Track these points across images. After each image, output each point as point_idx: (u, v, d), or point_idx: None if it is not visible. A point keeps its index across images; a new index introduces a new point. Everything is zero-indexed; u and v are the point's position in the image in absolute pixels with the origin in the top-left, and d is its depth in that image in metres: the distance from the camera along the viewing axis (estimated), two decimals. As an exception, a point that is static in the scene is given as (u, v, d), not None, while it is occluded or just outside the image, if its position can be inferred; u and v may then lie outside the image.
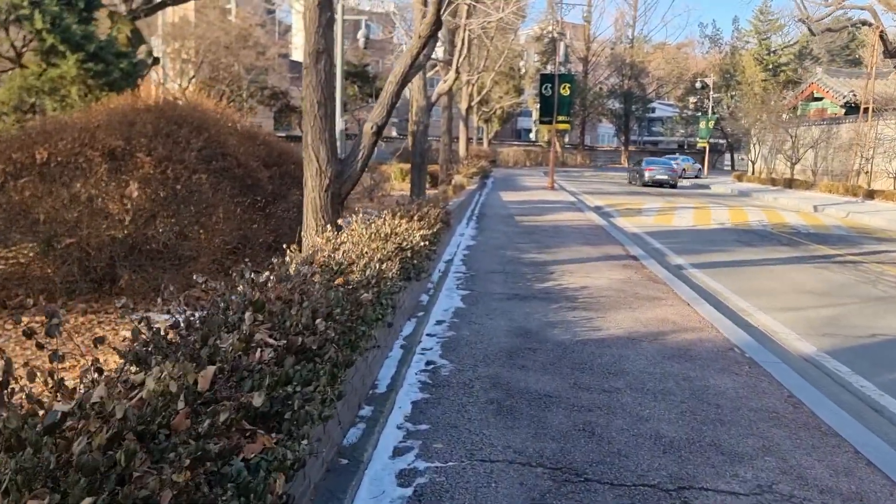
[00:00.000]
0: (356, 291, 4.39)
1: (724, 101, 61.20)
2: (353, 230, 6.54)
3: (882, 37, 32.00)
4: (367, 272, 4.81)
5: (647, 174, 32.48)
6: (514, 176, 38.03)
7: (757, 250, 12.89)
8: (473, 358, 5.38)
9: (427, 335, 6.00)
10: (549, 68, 43.40)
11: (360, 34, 11.10)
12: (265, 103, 38.13)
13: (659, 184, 32.13)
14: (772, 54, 66.52)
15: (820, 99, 41.33)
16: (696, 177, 46.68)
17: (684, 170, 48.90)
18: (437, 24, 7.52)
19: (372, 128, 7.78)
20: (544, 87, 25.19)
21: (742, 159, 72.76)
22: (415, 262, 6.32)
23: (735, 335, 6.42)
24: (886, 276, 10.66)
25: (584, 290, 8.00)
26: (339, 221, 7.20)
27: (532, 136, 71.37)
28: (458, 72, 15.55)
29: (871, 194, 25.65)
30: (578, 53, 60.88)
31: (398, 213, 7.99)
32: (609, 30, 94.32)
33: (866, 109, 31.22)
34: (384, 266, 5.29)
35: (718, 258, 11.78)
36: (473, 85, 34.34)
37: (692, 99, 67.84)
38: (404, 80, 7.77)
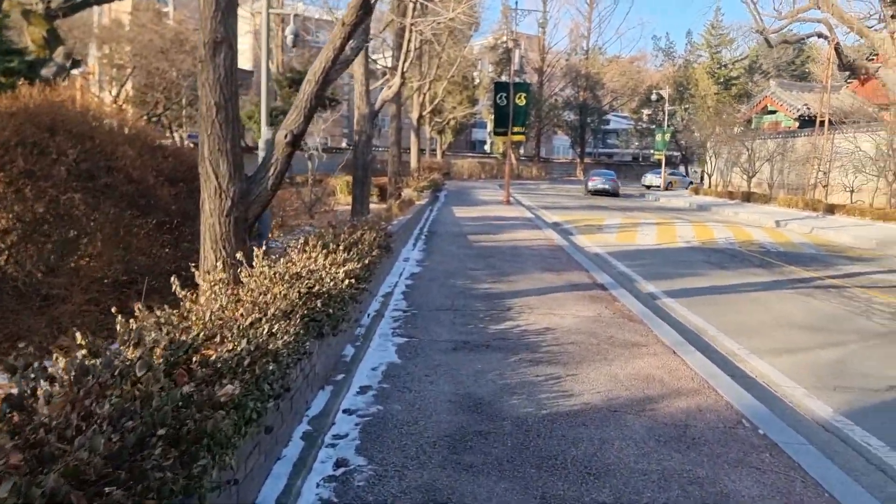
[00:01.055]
0: (214, 383, 2.90)
1: (678, 114, 61.18)
2: (253, 271, 5.03)
3: (837, 49, 31.74)
4: (242, 344, 3.31)
5: (590, 184, 37.44)
6: (468, 189, 36.72)
7: (731, 274, 11.73)
8: (403, 453, 3.90)
9: (344, 412, 4.50)
10: (504, 78, 42.38)
11: (289, 31, 9.63)
12: (206, 112, 36.12)
13: (601, 192, 36.58)
14: (723, 68, 66.99)
15: (773, 112, 41.16)
16: (686, 187, 46.62)
17: (671, 184, 48.55)
18: (366, 8, 6.07)
19: (286, 136, 6.28)
20: (499, 96, 23.95)
21: (695, 172, 73.16)
22: (331, 311, 4.83)
23: (739, 399, 5.09)
24: (876, 305, 9.56)
25: (549, 334, 6.60)
26: (259, 252, 5.66)
27: (487, 147, 70.42)
28: (404, 77, 14.13)
29: (831, 209, 25.04)
30: (533, 64, 60.16)
31: (320, 243, 6.49)
32: (564, 41, 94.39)
33: (822, 122, 30.86)
34: (279, 327, 3.80)
35: (692, 284, 10.56)
36: (425, 94, 32.98)
37: (646, 111, 67.86)
38: (326, 79, 6.29)
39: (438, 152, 53.63)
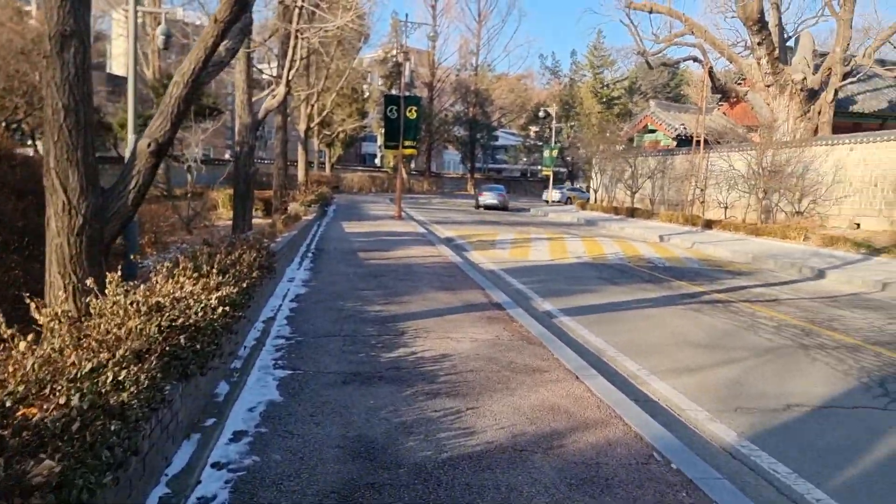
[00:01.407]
0: (35, 454, 2.24)
1: (564, 131, 63.00)
2: (106, 301, 4.28)
3: (711, 73, 33.51)
4: (74, 400, 2.63)
5: (479, 199, 39.51)
6: (358, 203, 36.02)
7: (623, 290, 11.75)
8: (281, 520, 3.31)
9: (212, 466, 3.83)
10: (395, 91, 42.09)
11: (160, 31, 8.70)
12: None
13: (490, 207, 38.73)
14: (605, 88, 69.83)
15: (654, 131, 43.01)
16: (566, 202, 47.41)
17: (569, 199, 49.41)
18: (241, 4, 5.44)
19: (150, 145, 5.53)
20: (389, 109, 23.51)
21: (580, 188, 75.63)
22: (199, 346, 4.16)
23: (647, 429, 4.81)
24: (761, 320, 9.75)
25: (446, 361, 6.14)
26: (114, 277, 4.91)
27: (377, 161, 69.92)
28: (289, 86, 13.41)
29: (708, 224, 26.19)
30: (423, 79, 60.31)
31: (191, 265, 5.76)
32: (454, 56, 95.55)
33: (698, 142, 32.40)
34: (127, 374, 3.12)
35: (587, 301, 10.44)
36: (313, 105, 32.11)
37: (534, 128, 69.58)
38: (196, 82, 5.59)
39: (327, 166, 52.58)
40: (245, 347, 6.35)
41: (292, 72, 13.52)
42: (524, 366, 6.14)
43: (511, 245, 17.98)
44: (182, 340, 3.86)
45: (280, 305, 8.15)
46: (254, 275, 7.08)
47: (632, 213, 33.38)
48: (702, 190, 30.74)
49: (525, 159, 78.21)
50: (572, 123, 65.68)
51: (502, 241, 18.70)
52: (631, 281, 12.88)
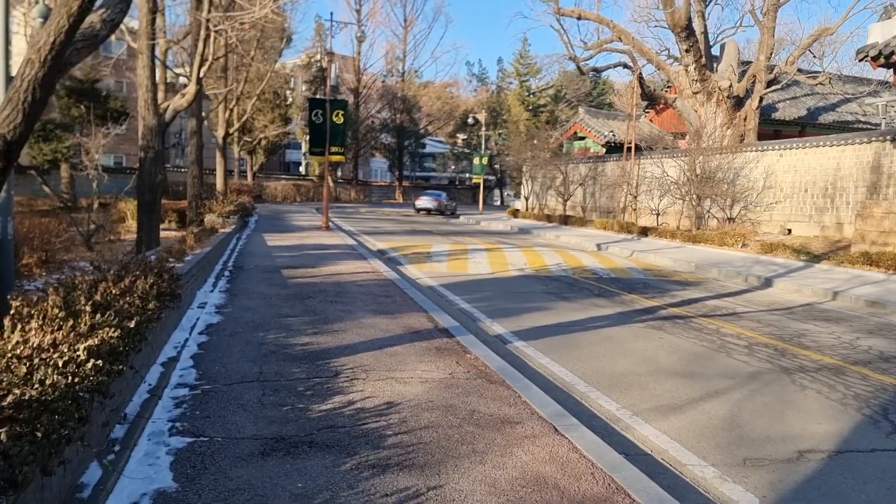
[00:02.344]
0: None
1: (492, 139, 62.57)
2: None
3: (640, 79, 33.43)
4: None
5: (417, 203, 43.49)
6: (282, 213, 34.21)
7: (576, 306, 10.80)
8: None
9: None
10: (320, 95, 40.47)
11: (36, 12, 7.21)
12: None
13: (426, 211, 42.45)
14: (531, 95, 69.93)
15: (583, 138, 42.87)
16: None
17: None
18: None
19: (-8, 143, 4.11)
20: (314, 113, 22.05)
21: (509, 195, 75.48)
22: (39, 433, 2.82)
23: (661, 506, 3.73)
24: (728, 338, 8.95)
25: (394, 414, 4.92)
26: None
27: (302, 169, 67.87)
28: (200, 84, 11.90)
29: (644, 231, 25.81)
30: (349, 84, 58.74)
31: (59, 303, 4.38)
32: (380, 62, 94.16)
33: (629, 148, 32.21)
34: None
35: (540, 320, 9.41)
36: (231, 110, 30.22)
37: (462, 136, 68.99)
38: (57, 61, 4.19)
39: (249, 174, 50.33)
40: (142, 394, 4.97)
41: (204, 69, 12.01)
42: (490, 416, 4.98)
43: (448, 257, 16.87)
44: (2, 436, 2.53)
45: (186, 341, 6.74)
46: (150, 306, 5.69)
47: (565, 220, 32.87)
48: (634, 197, 30.49)
49: (453, 167, 77.60)
50: (500, 131, 65.39)
51: (438, 253, 17.56)
52: (581, 295, 11.95)
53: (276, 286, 10.37)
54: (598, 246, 22.18)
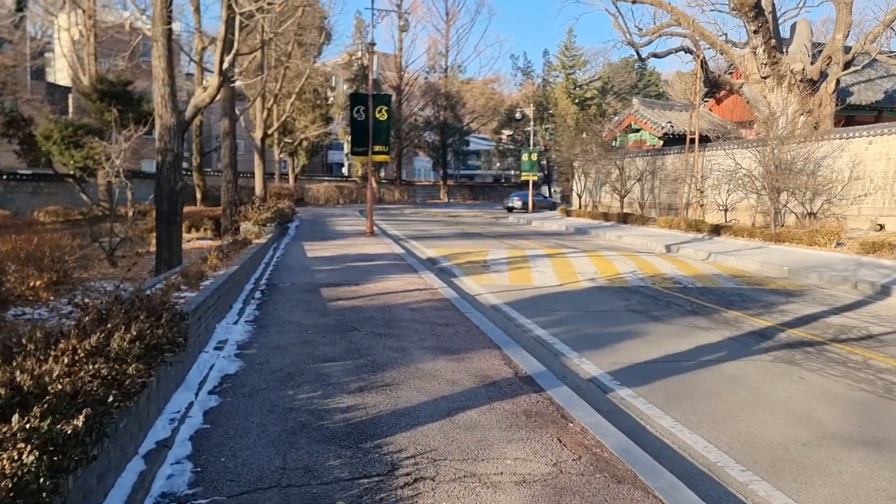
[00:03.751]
0: None
1: (538, 134, 60.38)
2: None
3: (703, 65, 31.01)
4: None
5: (507, 203, 46.03)
6: (324, 217, 32.72)
7: (671, 329, 8.87)
8: None
9: None
10: (362, 91, 38.94)
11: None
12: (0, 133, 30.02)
13: (512, 209, 44.51)
14: (578, 88, 67.50)
15: (638, 130, 40.48)
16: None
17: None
18: None
19: None
20: (356, 110, 20.40)
21: (556, 192, 73.12)
22: None
23: None
24: (887, 376, 6.92)
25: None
26: None
27: (345, 170, 66.70)
28: (225, 76, 10.27)
29: (716, 230, 23.52)
30: (390, 82, 57.21)
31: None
32: (422, 58, 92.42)
33: (693, 139, 29.87)
34: None
35: (638, 353, 7.52)
36: (270, 109, 28.79)
37: (507, 132, 66.92)
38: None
39: (291, 176, 49.12)
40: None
41: (229, 57, 10.40)
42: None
43: (508, 266, 15.01)
44: None
45: (189, 407, 5.03)
46: (129, 371, 4.02)
47: (624, 219, 30.66)
48: (701, 192, 28.16)
49: (498, 164, 75.58)
50: (547, 126, 63.12)
51: (495, 261, 15.71)
52: (673, 313, 10.01)
53: (313, 312, 8.66)
54: (668, 248, 20.07)
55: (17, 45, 38.75)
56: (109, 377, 3.79)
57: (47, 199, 30.92)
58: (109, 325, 4.48)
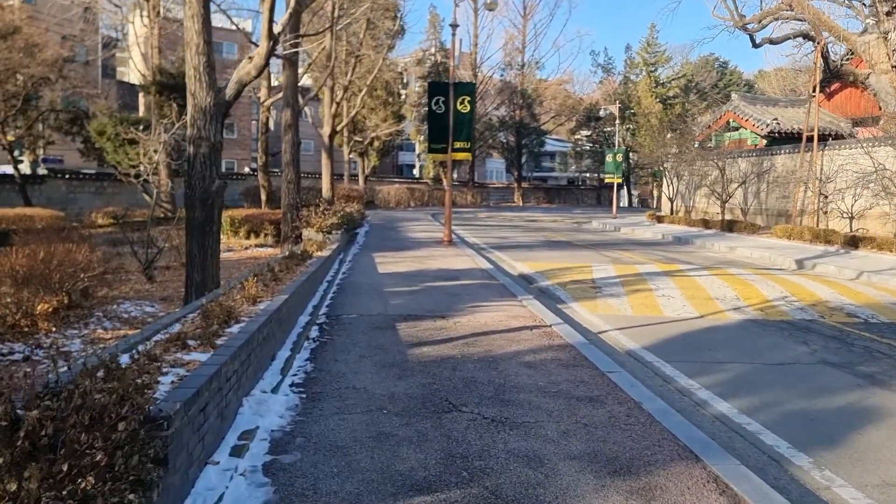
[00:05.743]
0: None
1: (618, 133, 56.78)
2: None
3: (824, 54, 27.28)
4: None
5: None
6: (395, 222, 30.30)
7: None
8: None
9: None
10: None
11: None
12: (64, 130, 28.83)
13: None
14: (660, 86, 63.59)
15: (737, 128, 36.67)
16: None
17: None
18: None
19: None
20: (434, 101, 17.81)
21: (635, 195, 69.16)
22: None
23: None
24: None
25: None
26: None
27: (416, 171, 64.56)
28: (274, 40, 7.81)
29: (852, 242, 19.94)
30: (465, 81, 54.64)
31: None
32: (497, 54, 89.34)
33: (810, 137, 26.18)
34: None
35: (877, 449, 4.63)
36: (339, 104, 26.49)
37: (585, 132, 63.52)
38: None
39: (360, 178, 47.10)
40: None
41: (283, 19, 7.97)
42: None
43: (623, 287, 12.11)
44: None
45: None
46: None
47: (729, 227, 27.16)
48: (825, 197, 24.47)
49: (574, 166, 72.11)
50: (628, 125, 59.39)
51: (605, 282, 12.82)
52: (887, 369, 7.02)
53: (389, 368, 6.05)
54: (800, 263, 16.76)
55: (84, 41, 37.93)
56: None
57: (109, 199, 29.59)
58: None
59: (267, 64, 7.93)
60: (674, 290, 11.96)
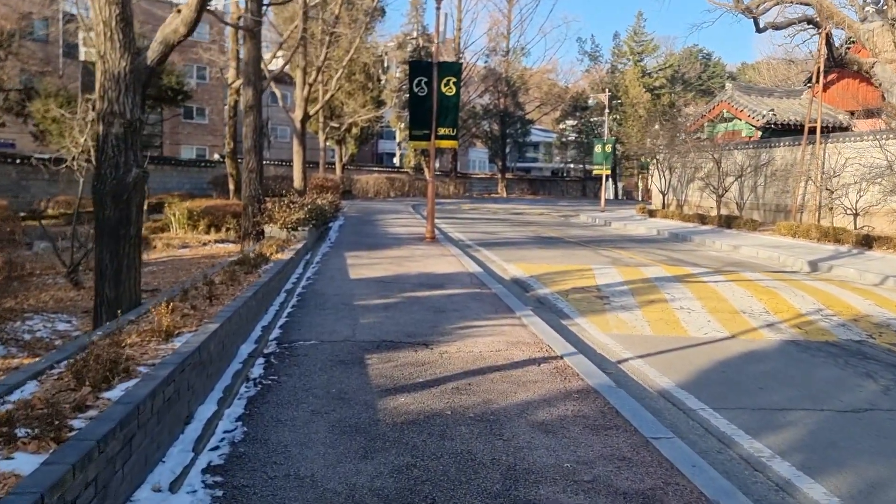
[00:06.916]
0: None
1: (606, 124, 55.31)
2: None
3: (828, 41, 25.84)
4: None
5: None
6: (374, 214, 28.43)
7: None
8: None
9: None
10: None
11: None
12: (15, 111, 26.63)
13: None
14: (646, 76, 62.27)
15: (731, 119, 35.27)
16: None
17: None
18: None
19: None
20: (416, 82, 16.02)
21: (620, 187, 67.83)
22: None
23: None
24: None
25: None
26: None
27: (396, 160, 62.59)
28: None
29: (865, 241, 18.52)
30: (447, 67, 52.72)
31: None
32: (482, 39, 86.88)
33: (812, 129, 24.77)
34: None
35: None
36: (311, 85, 24.48)
37: (570, 122, 61.99)
38: None
39: (338, 166, 45.11)
40: None
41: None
42: None
43: (634, 297, 10.48)
44: None
45: None
46: None
47: (727, 222, 25.71)
48: (830, 192, 23.06)
49: (559, 157, 70.60)
50: (615, 115, 57.91)
51: (612, 289, 11.18)
52: None
53: (351, 439, 4.33)
54: (813, 265, 15.29)
55: (45, 16, 35.52)
56: None
57: (66, 188, 27.45)
58: None
59: (198, 18, 6.13)
60: (692, 300, 10.36)
